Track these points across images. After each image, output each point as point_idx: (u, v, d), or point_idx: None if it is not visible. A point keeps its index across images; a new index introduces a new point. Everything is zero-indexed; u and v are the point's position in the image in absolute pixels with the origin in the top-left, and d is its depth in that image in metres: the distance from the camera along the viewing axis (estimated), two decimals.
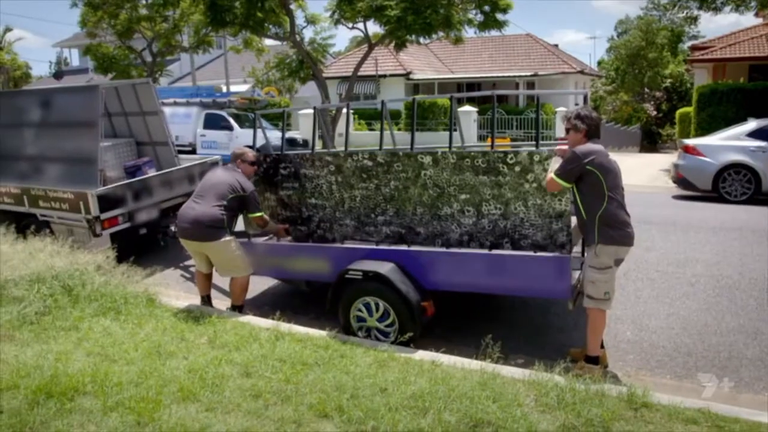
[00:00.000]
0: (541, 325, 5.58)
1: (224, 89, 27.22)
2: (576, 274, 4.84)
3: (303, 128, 22.76)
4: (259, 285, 6.80)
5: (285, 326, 5.09)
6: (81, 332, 4.99)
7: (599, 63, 47.94)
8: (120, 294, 5.73)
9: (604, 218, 4.28)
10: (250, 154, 5.90)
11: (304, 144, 17.67)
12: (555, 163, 4.55)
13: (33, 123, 8.18)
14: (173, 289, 6.79)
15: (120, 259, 6.72)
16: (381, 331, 5.10)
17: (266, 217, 5.90)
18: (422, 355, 4.62)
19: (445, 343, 4.92)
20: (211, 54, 30.42)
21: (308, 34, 56.48)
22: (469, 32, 19.41)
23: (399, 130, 22.62)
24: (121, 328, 5.07)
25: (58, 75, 41.63)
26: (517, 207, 4.95)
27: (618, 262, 4.39)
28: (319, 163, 5.67)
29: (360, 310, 5.16)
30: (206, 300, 5.99)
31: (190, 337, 4.88)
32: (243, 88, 28.13)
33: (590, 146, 4.29)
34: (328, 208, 5.78)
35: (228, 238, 5.60)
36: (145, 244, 8.13)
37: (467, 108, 23.43)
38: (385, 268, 5.01)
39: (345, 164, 5.53)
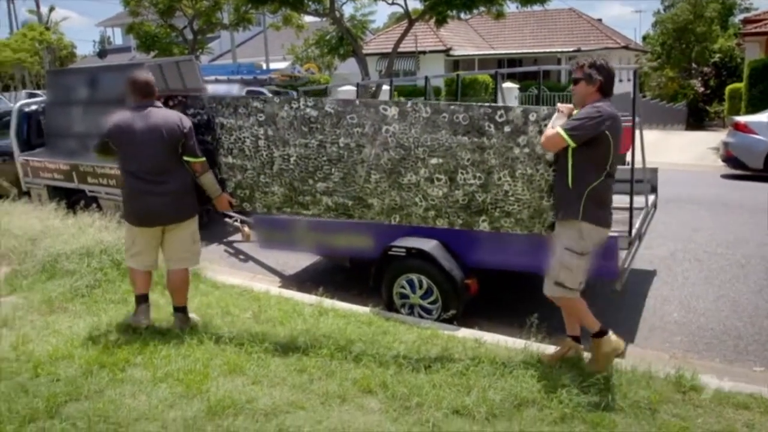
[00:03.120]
0: None
1: (264, 66, 27.30)
2: (623, 254, 4.76)
3: None
4: (302, 261, 6.87)
5: (328, 302, 5.14)
6: (129, 306, 5.08)
7: (644, 38, 46.72)
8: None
9: (595, 194, 3.69)
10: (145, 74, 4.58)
11: None
12: (557, 120, 3.80)
13: (81, 100, 8.33)
14: (218, 264, 6.89)
15: None
16: (424, 308, 5.11)
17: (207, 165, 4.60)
18: (465, 332, 4.62)
19: (487, 321, 4.90)
20: (251, 31, 30.52)
21: (348, 10, 56.26)
22: (510, 7, 19.12)
23: None
24: (168, 302, 5.15)
25: (102, 54, 42.34)
26: (502, 177, 4.13)
27: (597, 245, 3.85)
28: (244, 111, 4.54)
29: (403, 287, 5.18)
30: (146, 299, 4.72)
31: (235, 312, 4.96)
32: (283, 65, 28.19)
33: (610, 108, 3.66)
34: (250, 170, 4.64)
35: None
36: None
37: (509, 84, 22.97)
38: (429, 245, 5.00)
39: (280, 113, 4.46)
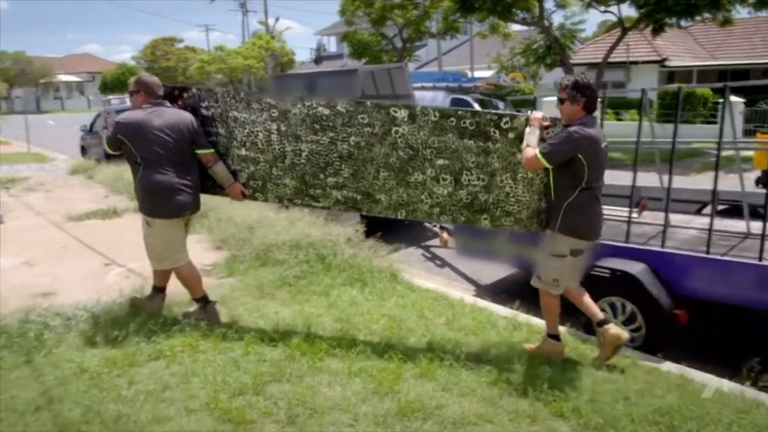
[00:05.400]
0: None
1: (469, 75, 27.56)
2: None
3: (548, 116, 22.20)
4: (498, 272, 6.78)
5: (523, 317, 5.01)
6: (330, 299, 5.37)
7: None
8: (366, 267, 6.07)
9: (572, 207, 4.00)
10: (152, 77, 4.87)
11: None
12: (531, 135, 4.08)
13: None
14: (414, 268, 7.02)
15: (368, 233, 7.07)
16: None
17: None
18: (670, 366, 4.26)
19: (696, 357, 4.47)
20: (457, 40, 30.97)
21: (557, 18, 55.11)
22: (741, 12, 17.41)
23: (647, 120, 21.02)
24: (365, 299, 5.36)
25: (317, 60, 45.58)
26: (504, 179, 4.37)
27: (575, 252, 4.10)
28: (257, 106, 4.66)
29: (604, 310, 4.88)
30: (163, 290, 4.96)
31: (429, 316, 5.01)
32: (487, 73, 28.27)
33: (587, 130, 3.91)
34: (263, 163, 4.75)
35: None
36: (389, 222, 8.52)
37: (732, 99, 20.95)
38: (636, 268, 4.69)
39: (293, 110, 4.58)
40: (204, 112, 4.82)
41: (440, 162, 4.43)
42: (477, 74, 28.64)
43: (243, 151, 4.79)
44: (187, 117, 4.67)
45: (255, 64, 41.98)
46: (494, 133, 4.31)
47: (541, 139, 4.12)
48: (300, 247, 6.39)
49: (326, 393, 3.64)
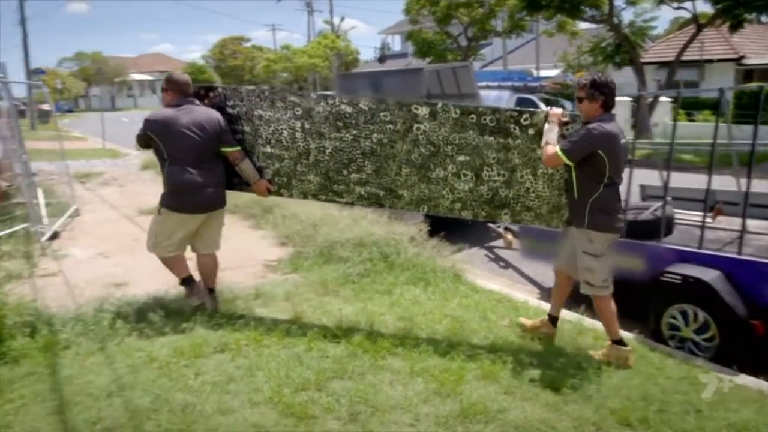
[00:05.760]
0: None
1: (534, 74, 27.12)
2: None
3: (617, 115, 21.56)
4: None
5: (588, 321, 4.88)
6: (393, 297, 5.37)
7: None
8: (429, 266, 6.05)
9: (598, 203, 4.08)
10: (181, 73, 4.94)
11: None
12: (550, 132, 4.17)
13: None
14: (478, 269, 6.96)
15: (431, 233, 7.03)
16: (697, 344, 4.62)
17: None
18: (746, 380, 4.07)
19: None
20: (523, 38, 30.53)
21: (627, 15, 53.66)
22: None
23: (723, 121, 20.15)
24: (428, 299, 5.35)
25: (381, 59, 45.79)
26: (524, 175, 4.47)
27: (610, 247, 4.22)
28: (282, 105, 4.78)
29: (674, 318, 4.73)
30: (192, 280, 4.97)
31: (492, 318, 4.95)
32: (553, 72, 27.75)
33: (606, 127, 4.00)
34: (288, 160, 4.88)
35: None
36: (453, 221, 8.48)
37: None
38: (710, 275, 4.51)
39: (316, 108, 4.71)
40: (230, 110, 4.92)
41: (461, 158, 4.55)
42: (543, 73, 28.12)
43: (268, 149, 4.93)
44: (214, 115, 4.74)
45: (320, 63, 42.56)
46: (514, 129, 4.41)
47: (561, 136, 4.21)
48: (363, 245, 6.42)
49: (388, 392, 3.65)
